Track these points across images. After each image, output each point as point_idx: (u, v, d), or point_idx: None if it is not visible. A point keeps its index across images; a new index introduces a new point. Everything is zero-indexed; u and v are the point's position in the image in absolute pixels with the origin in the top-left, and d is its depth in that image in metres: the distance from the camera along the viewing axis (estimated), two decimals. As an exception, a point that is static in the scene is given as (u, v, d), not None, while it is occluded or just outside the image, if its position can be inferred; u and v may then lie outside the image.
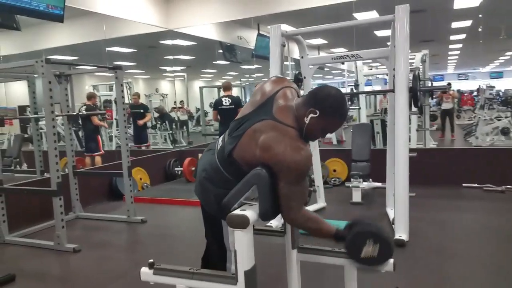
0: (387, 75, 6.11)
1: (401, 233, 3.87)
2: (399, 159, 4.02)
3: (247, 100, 2.47)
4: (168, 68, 12.05)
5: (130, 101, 9.32)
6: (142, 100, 9.98)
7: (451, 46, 16.41)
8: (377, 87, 21.37)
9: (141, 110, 9.07)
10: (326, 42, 13.42)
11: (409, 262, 3.57)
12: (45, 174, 5.49)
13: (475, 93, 21.82)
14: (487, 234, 4.24)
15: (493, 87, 16.90)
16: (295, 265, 2.27)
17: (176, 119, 12.73)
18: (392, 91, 4.26)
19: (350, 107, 11.31)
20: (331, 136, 11.13)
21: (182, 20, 8.30)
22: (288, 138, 1.82)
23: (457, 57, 20.37)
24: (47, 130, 4.12)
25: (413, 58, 8.45)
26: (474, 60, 19.63)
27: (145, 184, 6.97)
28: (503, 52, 18.69)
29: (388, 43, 4.67)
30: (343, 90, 16.12)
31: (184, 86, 15.38)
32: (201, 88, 9.84)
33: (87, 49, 9.12)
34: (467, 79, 27.52)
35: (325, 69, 18.77)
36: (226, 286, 1.89)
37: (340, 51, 4.94)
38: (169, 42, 9.24)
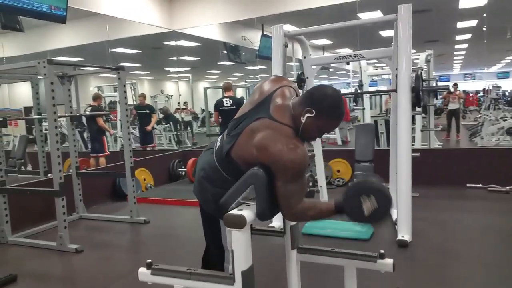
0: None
1: (404, 234, 3.86)
2: (402, 159, 4.00)
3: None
4: (173, 69, 12.06)
5: (134, 102, 9.34)
6: (148, 101, 10.02)
7: (456, 46, 16.32)
8: (383, 88, 21.28)
9: (147, 111, 9.12)
10: (331, 42, 13.40)
11: (411, 263, 3.56)
12: (49, 174, 5.50)
13: (481, 93, 21.71)
14: (490, 234, 4.20)
15: (500, 87, 16.80)
16: (295, 265, 2.27)
17: (180, 120, 12.74)
18: (395, 91, 4.24)
19: (355, 108, 11.31)
20: (336, 137, 11.12)
21: (186, 21, 8.31)
22: (283, 136, 1.81)
23: (462, 57, 20.26)
24: (49, 131, 4.13)
25: (418, 58, 8.42)
26: (480, 60, 19.51)
27: (149, 185, 6.98)
28: (509, 52, 18.56)
29: (393, 43, 4.65)
30: (348, 91, 16.13)
31: (189, 87, 15.40)
32: (205, 89, 9.83)
33: (92, 51, 9.15)
34: (474, 79, 27.36)
35: (330, 69, 18.72)
36: (223, 286, 1.88)
37: (345, 51, 4.92)
38: (173, 43, 9.26)
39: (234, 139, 1.95)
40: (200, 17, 8.24)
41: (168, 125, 12.33)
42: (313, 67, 5.11)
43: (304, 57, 5.10)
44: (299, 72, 5.37)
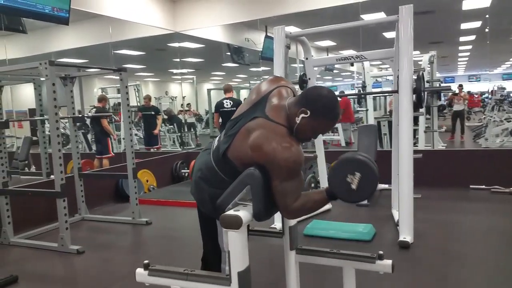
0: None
1: (406, 235, 3.84)
2: (403, 160, 3.98)
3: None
4: (176, 71, 12.09)
5: (138, 104, 9.37)
6: (152, 102, 10.07)
7: (460, 48, 16.27)
8: (387, 89, 21.21)
9: (152, 112, 9.17)
10: (335, 44, 13.37)
11: (412, 264, 3.54)
12: (51, 176, 5.52)
13: (486, 95, 21.60)
14: (493, 236, 4.18)
15: (504, 88, 16.73)
16: (293, 266, 2.26)
17: (184, 121, 12.77)
18: (396, 91, 4.22)
19: (358, 109, 11.28)
20: (340, 138, 11.10)
21: (189, 22, 8.32)
22: (277, 136, 1.81)
23: (467, 58, 20.19)
24: (51, 132, 4.14)
25: (422, 60, 8.39)
26: (485, 61, 19.43)
27: (152, 186, 6.99)
28: (514, 54, 18.49)
29: (395, 44, 4.63)
30: (352, 92, 16.05)
31: (193, 89, 15.42)
32: (208, 91, 9.85)
33: (96, 52, 9.18)
34: (479, 80, 27.22)
35: (334, 71, 18.67)
36: (220, 287, 1.88)
37: (349, 53, 4.91)
38: (177, 44, 9.27)
39: (231, 139, 1.95)
40: (203, 18, 8.25)
41: (172, 126, 12.35)
42: (315, 68, 5.10)
43: (306, 58, 5.11)
44: (301, 73, 5.36)
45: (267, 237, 2.41)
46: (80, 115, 5.44)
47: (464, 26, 11.55)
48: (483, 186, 5.77)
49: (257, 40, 9.45)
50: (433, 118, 8.33)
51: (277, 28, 4.65)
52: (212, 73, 19.96)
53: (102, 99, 7.90)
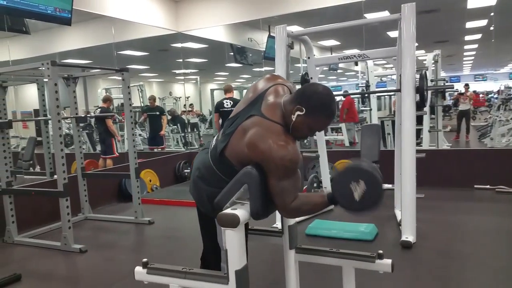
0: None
1: (408, 235, 3.82)
2: (406, 160, 3.96)
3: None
4: (179, 71, 12.11)
5: (142, 104, 9.40)
6: (156, 103, 10.11)
7: (466, 47, 16.18)
8: (392, 89, 21.13)
9: (157, 113, 9.21)
10: (339, 43, 13.34)
11: (414, 264, 3.53)
12: (55, 176, 5.54)
13: (491, 94, 21.50)
14: (496, 236, 4.15)
15: (511, 87, 16.64)
16: (293, 266, 2.26)
17: (186, 122, 12.79)
18: (399, 90, 4.21)
19: (362, 108, 11.25)
20: (344, 138, 11.08)
21: (191, 22, 8.33)
22: (273, 134, 1.80)
23: (473, 57, 20.07)
24: (53, 133, 4.16)
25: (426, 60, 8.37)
26: (491, 60, 19.33)
27: (155, 186, 7.00)
28: (522, 52, 18.35)
29: (397, 43, 4.62)
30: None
31: (197, 89, 15.44)
32: (212, 91, 9.85)
33: (100, 53, 9.21)
34: (485, 80, 27.07)
35: (339, 70, 18.63)
36: (218, 285, 1.88)
37: (353, 52, 4.87)
38: (180, 45, 9.29)
39: (228, 138, 1.95)
40: (206, 18, 8.25)
41: (175, 127, 12.37)
42: (318, 67, 5.09)
43: (308, 58, 5.09)
44: (304, 73, 5.35)
45: (267, 236, 2.40)
46: (83, 116, 5.43)
47: (469, 24, 11.49)
48: (488, 186, 5.73)
49: (260, 40, 9.45)
50: (437, 117, 8.30)
51: (278, 27, 4.64)
52: (216, 73, 20.00)
53: (107, 99, 7.94)
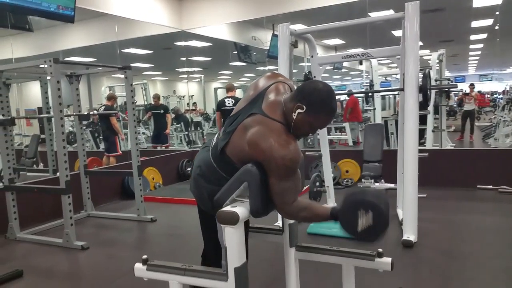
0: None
1: (409, 234, 3.81)
2: (408, 159, 3.95)
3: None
4: (182, 69, 12.12)
5: (145, 102, 9.43)
6: (160, 102, 10.15)
7: (471, 46, 16.10)
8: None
9: (161, 111, 9.24)
10: (343, 42, 13.31)
11: (415, 263, 3.53)
12: (57, 173, 5.56)
13: (496, 95, 21.40)
14: (498, 236, 4.14)
15: (516, 88, 16.56)
16: (293, 264, 2.26)
17: (190, 120, 12.81)
18: (402, 89, 4.19)
19: (366, 108, 11.23)
20: (348, 138, 11.06)
21: (195, 21, 8.33)
22: (274, 133, 1.79)
23: (478, 57, 19.98)
24: (55, 130, 4.18)
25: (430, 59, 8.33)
26: (497, 60, 19.22)
27: (158, 184, 7.01)
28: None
29: (401, 42, 4.60)
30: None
31: (201, 88, 15.46)
32: (215, 89, 9.88)
33: (104, 51, 9.24)
34: (490, 80, 26.95)
35: (343, 70, 18.60)
36: (217, 282, 1.88)
37: (357, 51, 4.86)
38: (184, 43, 9.29)
39: (229, 137, 1.94)
40: (210, 16, 8.25)
41: (179, 125, 12.40)
42: (321, 66, 5.07)
43: (311, 56, 5.07)
44: (307, 72, 5.34)
45: (267, 234, 2.40)
46: (85, 113, 5.44)
47: (474, 24, 11.43)
48: (491, 186, 5.72)
49: (264, 38, 9.44)
50: (441, 117, 8.27)
51: (281, 25, 4.63)
52: (220, 72, 20.00)
53: (111, 97, 7.95)
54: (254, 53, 10.55)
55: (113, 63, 6.74)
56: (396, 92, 10.45)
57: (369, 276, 2.79)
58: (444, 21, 10.78)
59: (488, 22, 10.88)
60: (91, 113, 6.46)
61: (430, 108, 7.70)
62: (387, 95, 14.99)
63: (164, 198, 6.18)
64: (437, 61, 8.20)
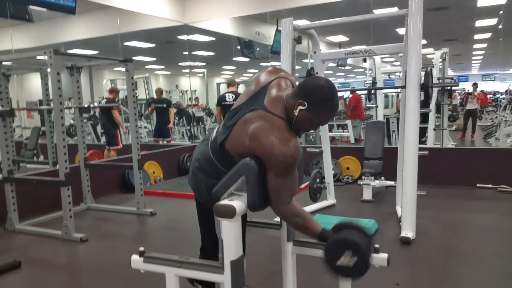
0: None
1: (407, 231, 3.82)
2: (408, 156, 3.95)
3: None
4: (184, 64, 12.09)
5: (147, 96, 9.42)
6: (163, 96, 10.14)
7: (475, 46, 16.04)
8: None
9: (164, 105, 9.24)
10: (347, 39, 13.27)
11: (412, 260, 3.54)
12: (57, 165, 5.56)
13: (498, 95, 21.35)
14: (496, 235, 4.13)
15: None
16: (290, 258, 2.26)
17: (192, 115, 12.81)
18: (404, 87, 4.17)
19: (369, 105, 11.21)
20: (349, 135, 11.04)
21: (198, 14, 8.30)
22: (276, 129, 1.79)
23: (481, 57, 19.91)
24: (55, 122, 4.17)
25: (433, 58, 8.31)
26: (500, 60, 19.15)
27: (158, 178, 7.02)
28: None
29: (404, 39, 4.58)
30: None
31: (204, 83, 15.43)
32: (218, 84, 9.86)
33: (106, 44, 9.22)
34: (493, 80, 26.86)
35: (347, 67, 18.55)
36: (213, 275, 1.89)
37: (360, 48, 4.83)
38: (187, 37, 9.27)
39: (229, 130, 1.94)
40: (213, 10, 8.21)
41: (181, 120, 12.38)
42: (324, 62, 5.05)
43: (314, 52, 5.06)
44: (309, 68, 5.32)
45: (265, 229, 2.40)
46: (86, 106, 5.43)
47: (479, 23, 11.38)
48: (490, 185, 5.72)
49: (268, 34, 9.41)
50: (443, 116, 8.25)
51: (284, 20, 4.61)
52: (223, 67, 19.96)
53: (113, 90, 7.95)
54: (258, 49, 10.53)
55: (115, 56, 6.73)
56: (398, 90, 10.42)
57: (366, 273, 2.79)
58: (448, 20, 10.73)
59: (492, 21, 10.83)
60: (91, 105, 6.43)
61: (432, 106, 7.69)
62: (390, 93, 14.95)
63: (164, 192, 6.18)
64: (440, 59, 8.18)
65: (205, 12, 8.25)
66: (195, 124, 12.82)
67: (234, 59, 14.17)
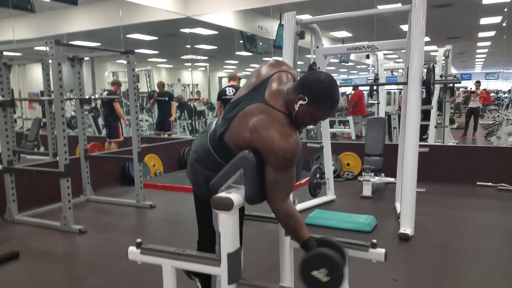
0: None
1: (406, 227, 3.81)
2: (408, 152, 3.94)
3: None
4: (187, 57, 12.06)
5: (149, 89, 9.40)
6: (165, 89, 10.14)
7: (479, 44, 15.98)
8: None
9: (166, 98, 9.23)
10: (351, 35, 13.24)
11: (410, 256, 3.54)
12: (57, 156, 5.56)
13: (501, 94, 21.30)
14: (495, 232, 4.13)
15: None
16: (288, 252, 2.25)
17: (193, 109, 12.81)
18: (406, 83, 4.16)
19: (371, 102, 11.18)
20: (351, 131, 11.02)
21: (201, 7, 8.26)
22: (277, 123, 1.77)
23: (485, 55, 19.84)
24: (56, 113, 4.16)
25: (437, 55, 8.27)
26: (503, 59, 19.07)
27: (158, 171, 7.02)
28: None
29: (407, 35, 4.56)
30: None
31: (206, 77, 15.42)
32: (220, 78, 9.84)
33: (108, 36, 9.21)
34: (497, 79, 26.78)
35: (349, 63, 18.51)
36: (210, 267, 1.88)
37: (362, 43, 4.82)
38: (189, 30, 9.25)
39: (228, 123, 1.92)
40: (216, 3, 8.19)
41: (182, 113, 12.38)
42: (326, 57, 5.03)
43: (317, 47, 5.04)
44: (311, 62, 5.30)
45: (263, 223, 2.39)
46: (87, 97, 5.42)
47: (483, 21, 11.33)
48: (490, 183, 5.70)
49: (270, 28, 9.38)
50: (444, 114, 8.23)
51: (287, 14, 4.59)
52: (226, 61, 19.94)
53: (115, 83, 7.93)
54: (260, 43, 10.50)
55: (117, 48, 6.71)
56: (400, 87, 10.38)
57: (364, 269, 2.79)
58: (452, 17, 10.70)
59: (497, 19, 10.78)
60: (92, 97, 6.41)
61: (434, 103, 7.68)
62: (392, 89, 14.91)
63: (164, 185, 6.18)
64: (443, 57, 8.14)
65: (208, 5, 8.22)
66: (196, 118, 12.80)
67: (237, 53, 14.14)
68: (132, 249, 2.07)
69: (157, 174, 6.97)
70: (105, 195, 5.68)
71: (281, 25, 8.65)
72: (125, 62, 5.01)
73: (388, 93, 15.20)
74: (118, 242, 4.04)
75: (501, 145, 8.22)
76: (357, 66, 23.34)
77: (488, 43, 15.68)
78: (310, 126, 8.71)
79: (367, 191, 5.34)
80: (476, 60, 21.99)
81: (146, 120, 11.73)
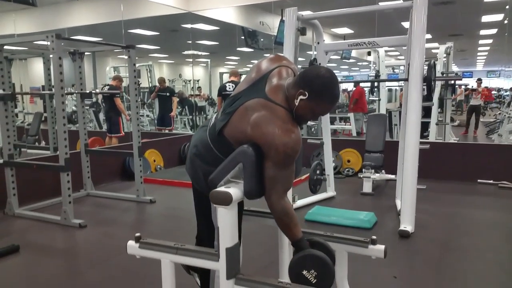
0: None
1: (406, 224, 3.81)
2: (409, 149, 3.93)
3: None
4: (188, 53, 12.04)
5: (150, 84, 9.39)
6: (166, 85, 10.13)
7: (481, 42, 15.94)
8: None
9: (167, 94, 9.22)
10: (352, 31, 13.22)
11: (410, 253, 3.54)
12: (58, 151, 5.57)
13: (502, 92, 21.27)
14: (495, 230, 4.13)
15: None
16: (287, 248, 2.26)
17: (194, 105, 12.80)
18: (407, 80, 4.15)
19: (371, 98, 11.17)
20: (351, 128, 11.01)
21: (202, 2, 8.24)
22: (279, 118, 1.76)
23: (486, 53, 19.80)
24: (56, 107, 4.16)
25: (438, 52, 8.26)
26: (505, 57, 19.03)
27: (159, 166, 7.02)
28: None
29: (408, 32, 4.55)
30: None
31: (207, 73, 15.40)
32: (221, 74, 9.84)
33: (110, 31, 9.20)
34: (498, 76, 26.72)
35: (351, 60, 18.48)
36: (208, 262, 1.88)
37: (363, 39, 4.81)
38: (191, 25, 9.23)
39: (228, 117, 1.91)
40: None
41: (183, 109, 12.37)
42: (327, 53, 5.02)
43: (318, 43, 5.03)
44: (312, 58, 5.29)
45: (263, 218, 2.39)
46: (87, 92, 5.42)
47: (485, 18, 11.30)
48: (491, 181, 5.70)
49: (272, 24, 9.36)
50: (445, 111, 8.21)
51: (288, 9, 4.58)
52: (227, 57, 19.91)
53: (117, 78, 7.92)
54: (262, 39, 10.48)
55: (119, 43, 6.70)
56: (401, 84, 10.37)
57: (363, 266, 2.79)
58: (454, 14, 10.66)
59: (499, 17, 10.75)
60: (93, 91, 6.41)
61: (435, 100, 7.66)
62: (393, 87, 14.90)
63: (164, 181, 6.18)
64: (445, 54, 8.12)
65: (209, 0, 8.19)
66: (197, 113, 12.79)
67: (238, 49, 14.13)
68: (131, 243, 2.07)
69: (157, 169, 6.97)
70: (105, 190, 5.68)
71: (282, 21, 8.63)
72: (126, 57, 5.00)
73: (389, 90, 15.19)
74: (118, 236, 4.04)
75: (502, 143, 8.20)
76: (358, 63, 23.32)
77: (490, 41, 15.65)
78: (311, 122, 8.71)
79: (367, 187, 5.34)
80: (478, 57, 21.96)
81: (147, 116, 11.73)
